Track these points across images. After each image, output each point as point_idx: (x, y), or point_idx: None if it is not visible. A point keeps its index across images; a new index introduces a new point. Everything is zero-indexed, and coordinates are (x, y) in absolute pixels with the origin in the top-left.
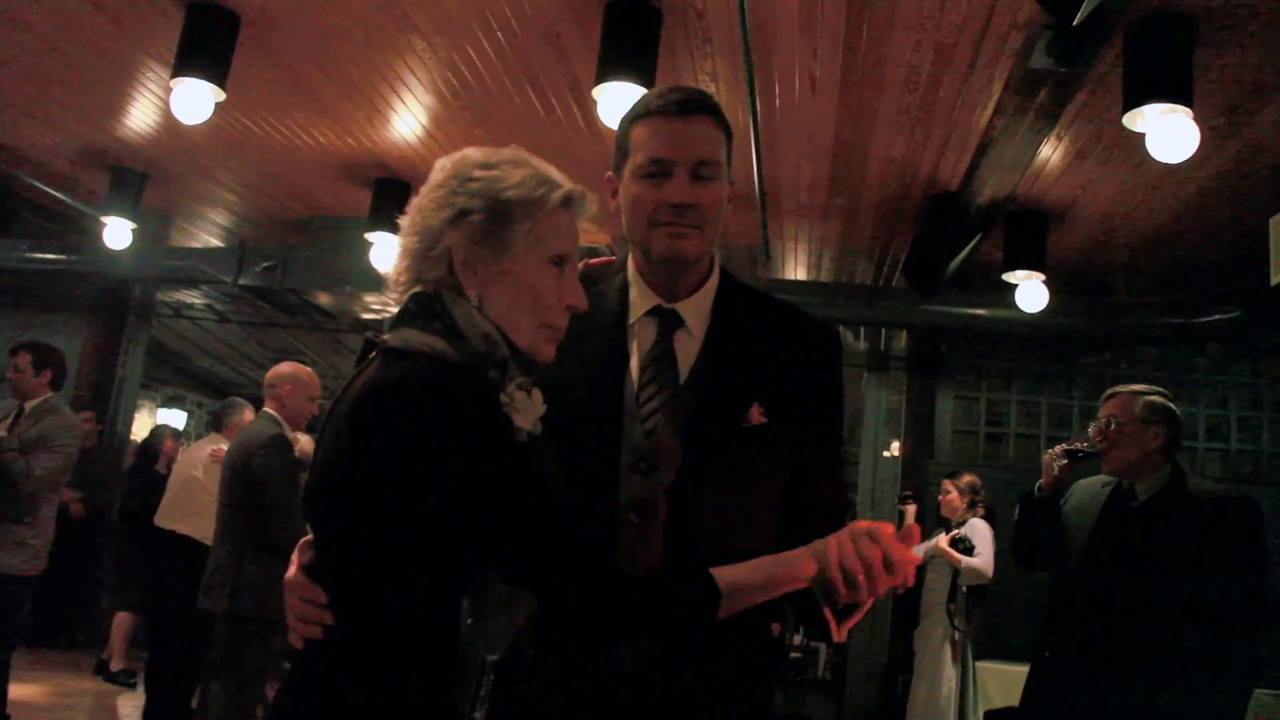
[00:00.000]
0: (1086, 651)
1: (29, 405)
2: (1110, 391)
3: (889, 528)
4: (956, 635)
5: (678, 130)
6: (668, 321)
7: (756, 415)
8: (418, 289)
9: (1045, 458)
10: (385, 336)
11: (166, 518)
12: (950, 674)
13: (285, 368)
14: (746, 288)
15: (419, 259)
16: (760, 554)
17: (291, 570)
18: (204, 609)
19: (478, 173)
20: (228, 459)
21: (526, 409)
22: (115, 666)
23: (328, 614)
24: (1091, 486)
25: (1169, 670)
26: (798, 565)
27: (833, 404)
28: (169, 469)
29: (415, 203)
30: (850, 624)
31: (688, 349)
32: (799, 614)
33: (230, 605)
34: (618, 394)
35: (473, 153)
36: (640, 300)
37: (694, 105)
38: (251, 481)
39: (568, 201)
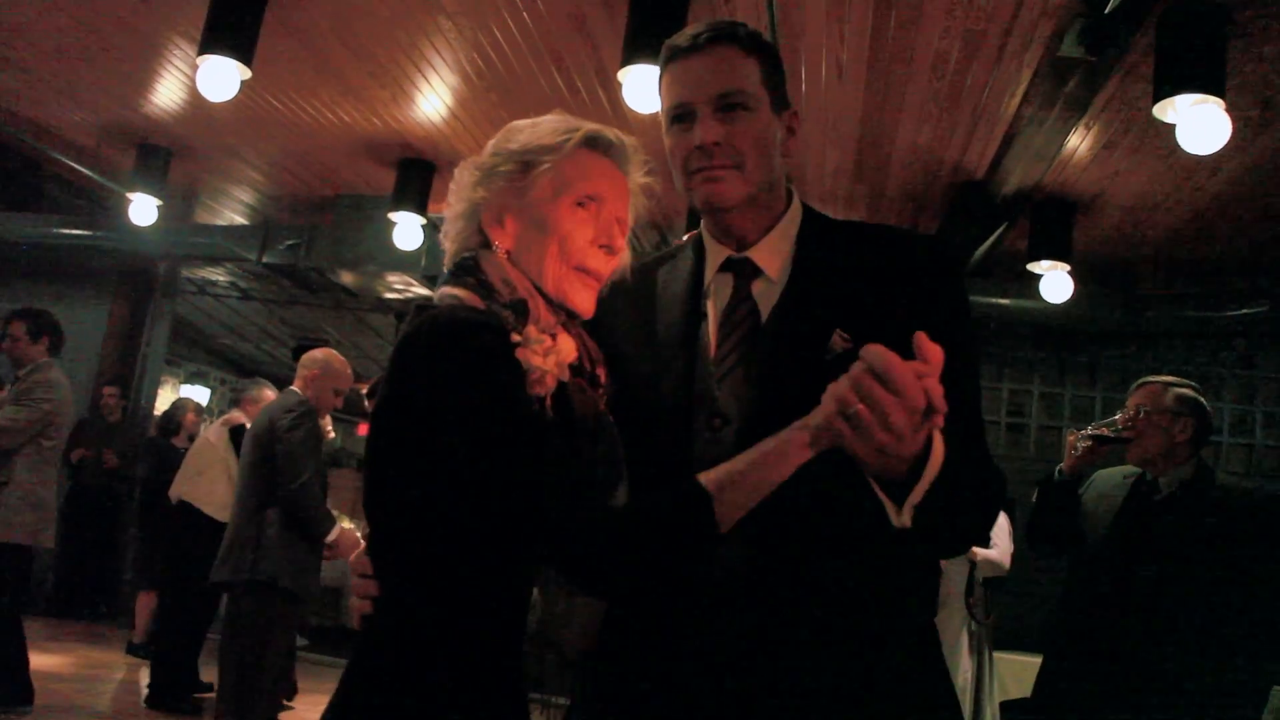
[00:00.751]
0: (1102, 641)
1: (22, 372)
2: (1141, 381)
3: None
4: (974, 626)
5: (694, 67)
6: (742, 271)
7: (840, 341)
8: (465, 248)
9: (1070, 438)
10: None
11: (178, 486)
12: (966, 664)
13: (318, 353)
14: (836, 222)
15: (460, 219)
16: (855, 507)
17: (357, 550)
18: (218, 581)
19: (515, 135)
20: (252, 428)
21: (547, 351)
22: (137, 639)
23: (375, 586)
24: (1113, 477)
25: (1185, 663)
26: (793, 430)
27: (948, 319)
28: (190, 443)
29: (458, 176)
30: (913, 500)
31: (769, 295)
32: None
33: (251, 573)
34: (689, 355)
35: (517, 122)
36: (714, 256)
37: (709, 36)
38: (273, 445)
39: (591, 142)
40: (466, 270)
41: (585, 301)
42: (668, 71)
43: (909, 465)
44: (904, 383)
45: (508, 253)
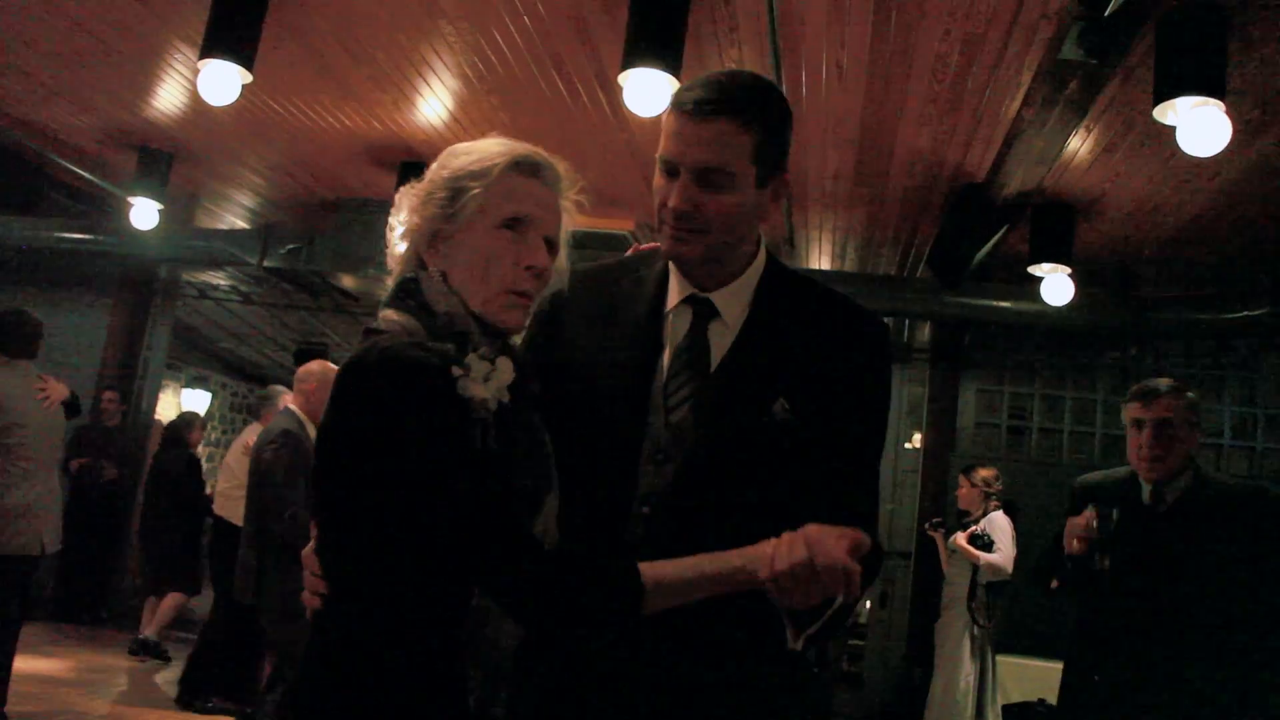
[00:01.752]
0: (1127, 661)
1: None
2: (1148, 390)
3: (840, 534)
4: (977, 630)
5: (688, 133)
6: (701, 311)
7: (781, 410)
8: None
9: (1079, 523)
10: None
11: (217, 504)
12: (969, 668)
13: (314, 365)
14: (794, 275)
15: (403, 249)
16: (743, 613)
17: (309, 545)
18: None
19: (450, 160)
20: (251, 449)
21: (488, 376)
22: (144, 634)
23: (323, 584)
24: (1105, 486)
25: (1214, 676)
26: (732, 565)
27: (870, 404)
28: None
29: (399, 201)
30: (809, 633)
31: (723, 340)
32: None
33: (258, 599)
34: (645, 383)
35: (458, 145)
36: (677, 288)
37: (710, 107)
38: (260, 477)
39: (518, 166)
40: (406, 294)
41: (515, 319)
42: (669, 117)
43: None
44: (835, 581)
45: (443, 275)
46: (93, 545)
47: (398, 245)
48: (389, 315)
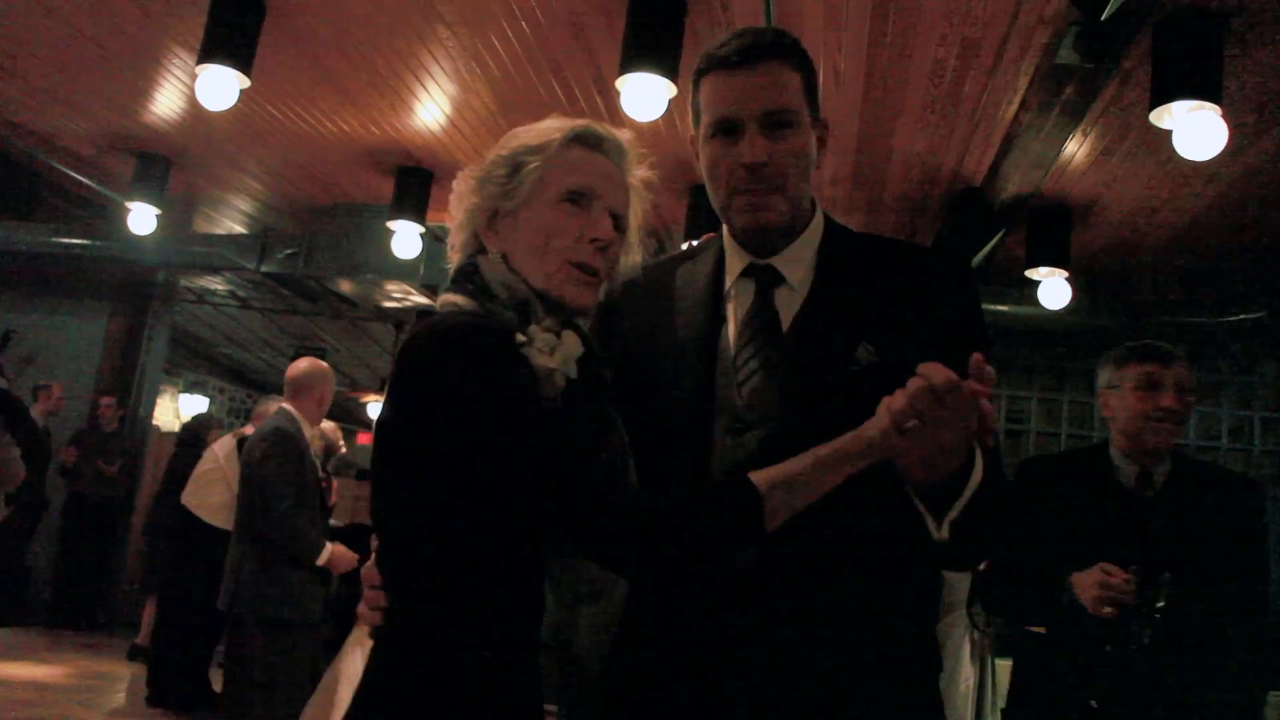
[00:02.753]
0: (1127, 679)
1: None
2: (1161, 350)
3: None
4: (977, 634)
5: (741, 82)
6: (765, 278)
7: (866, 353)
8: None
9: (1111, 583)
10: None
11: (188, 494)
12: (968, 672)
13: (302, 363)
14: (856, 234)
15: (463, 234)
16: (877, 518)
17: (369, 563)
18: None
19: (509, 141)
20: (242, 454)
21: (552, 348)
22: (140, 641)
23: (384, 597)
24: (1064, 468)
25: (1191, 670)
26: (847, 439)
27: (967, 331)
28: None
29: (457, 186)
30: (953, 515)
31: (791, 304)
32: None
33: (232, 603)
34: (710, 359)
35: (518, 129)
36: (735, 261)
37: (758, 51)
38: (249, 476)
39: (580, 139)
40: (465, 276)
41: (582, 296)
42: (709, 81)
43: (950, 480)
44: (960, 400)
45: (503, 256)
46: (89, 551)
47: (458, 233)
48: (446, 298)
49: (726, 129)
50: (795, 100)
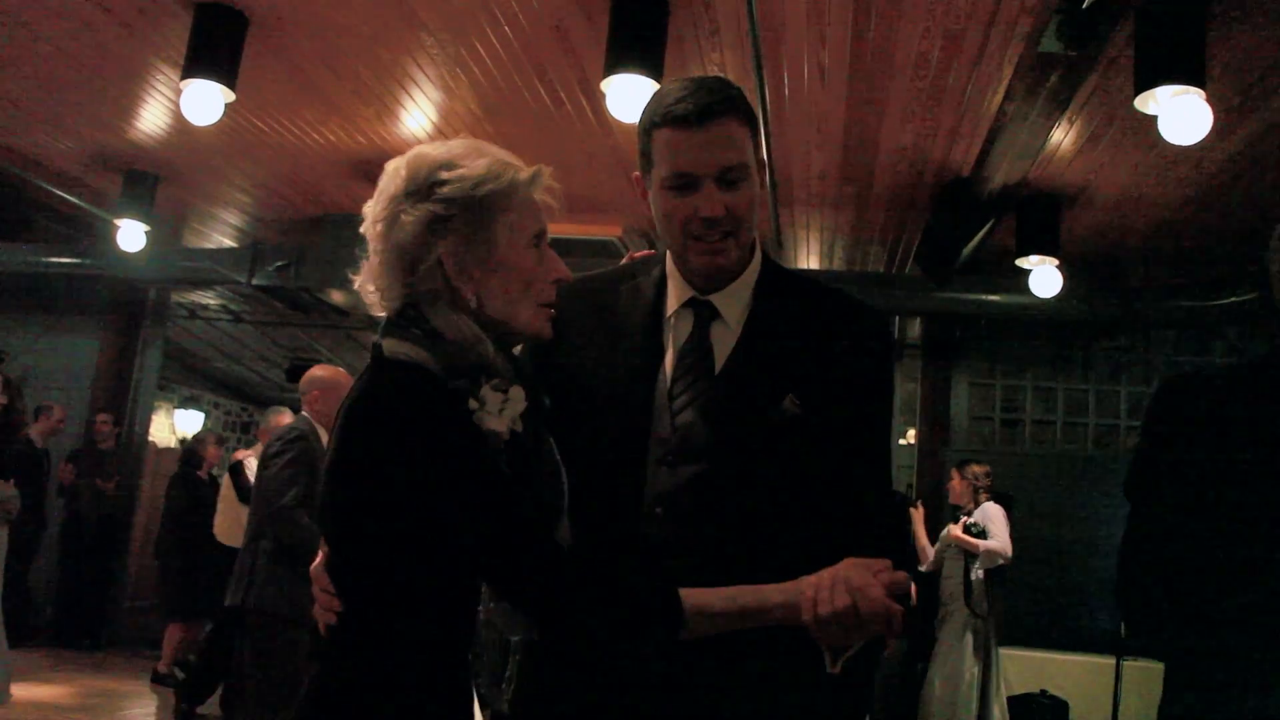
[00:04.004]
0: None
1: None
2: None
3: (880, 567)
4: (979, 624)
5: (698, 140)
6: (703, 313)
7: (791, 405)
8: (407, 299)
9: None
10: (380, 341)
11: (218, 527)
12: (971, 662)
13: (316, 371)
14: (790, 274)
15: (405, 272)
16: (790, 553)
17: (316, 560)
18: (229, 606)
19: (443, 174)
20: (260, 461)
21: (502, 409)
22: (162, 669)
23: (337, 602)
24: (1217, 384)
25: None
26: (772, 603)
27: (877, 396)
28: (210, 475)
29: (379, 212)
30: (846, 657)
31: (725, 340)
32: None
33: (244, 600)
34: (649, 387)
35: (428, 151)
36: (677, 292)
37: (711, 110)
38: (261, 475)
39: (533, 181)
40: (410, 323)
41: (549, 330)
42: (664, 135)
43: None
44: (880, 622)
45: (477, 299)
46: (90, 569)
47: (386, 272)
48: (393, 346)
49: (683, 184)
50: (746, 155)
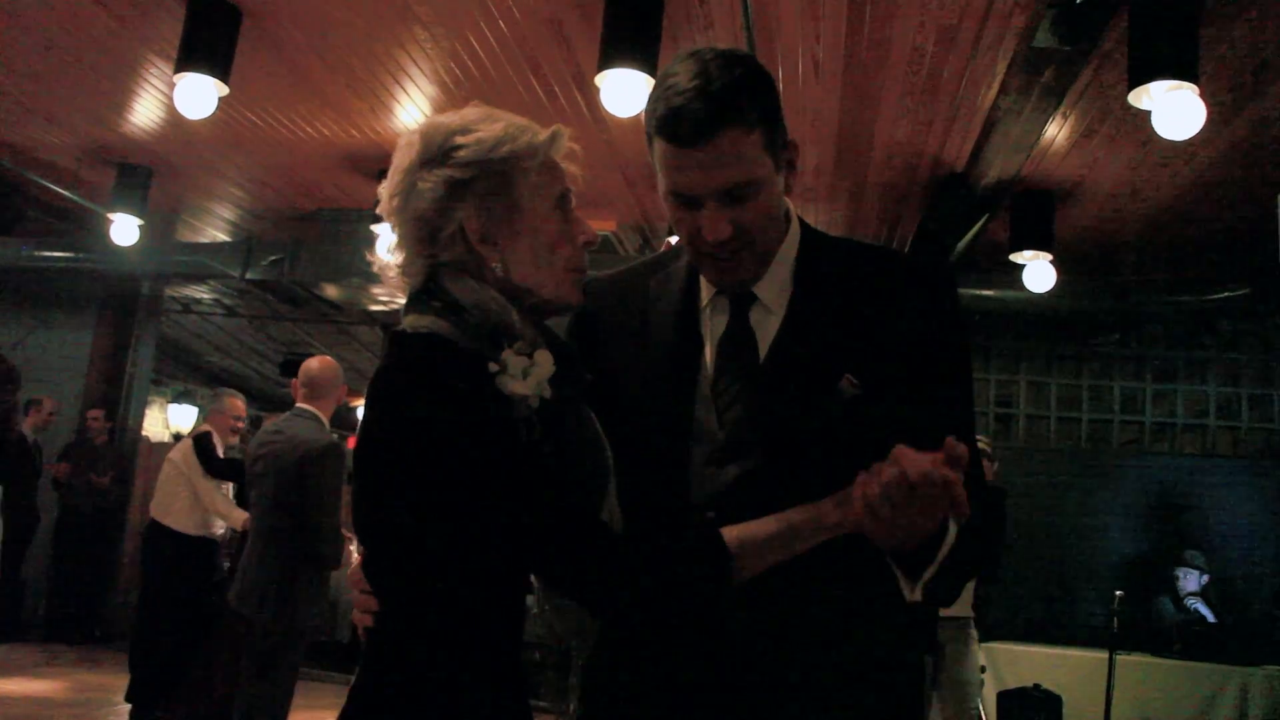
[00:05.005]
0: None
1: None
2: None
3: (923, 456)
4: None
5: (695, 161)
6: (740, 300)
7: (849, 386)
8: (429, 271)
9: None
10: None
11: (155, 505)
12: (976, 650)
13: (311, 362)
14: (834, 241)
15: (426, 243)
16: (860, 549)
17: (354, 562)
18: (240, 612)
19: (459, 139)
20: (276, 461)
21: (526, 372)
22: None
23: (374, 602)
24: None
25: None
26: (820, 508)
27: (950, 352)
28: None
29: (395, 187)
30: (926, 578)
31: (768, 326)
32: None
33: (276, 615)
34: (689, 384)
35: (439, 119)
36: (741, 289)
37: (710, 123)
38: (304, 482)
39: (553, 141)
40: (429, 293)
41: (579, 295)
42: (661, 146)
43: (924, 545)
44: (934, 491)
45: (502, 266)
46: (83, 564)
47: (410, 244)
48: (416, 320)
49: (684, 202)
50: (752, 168)
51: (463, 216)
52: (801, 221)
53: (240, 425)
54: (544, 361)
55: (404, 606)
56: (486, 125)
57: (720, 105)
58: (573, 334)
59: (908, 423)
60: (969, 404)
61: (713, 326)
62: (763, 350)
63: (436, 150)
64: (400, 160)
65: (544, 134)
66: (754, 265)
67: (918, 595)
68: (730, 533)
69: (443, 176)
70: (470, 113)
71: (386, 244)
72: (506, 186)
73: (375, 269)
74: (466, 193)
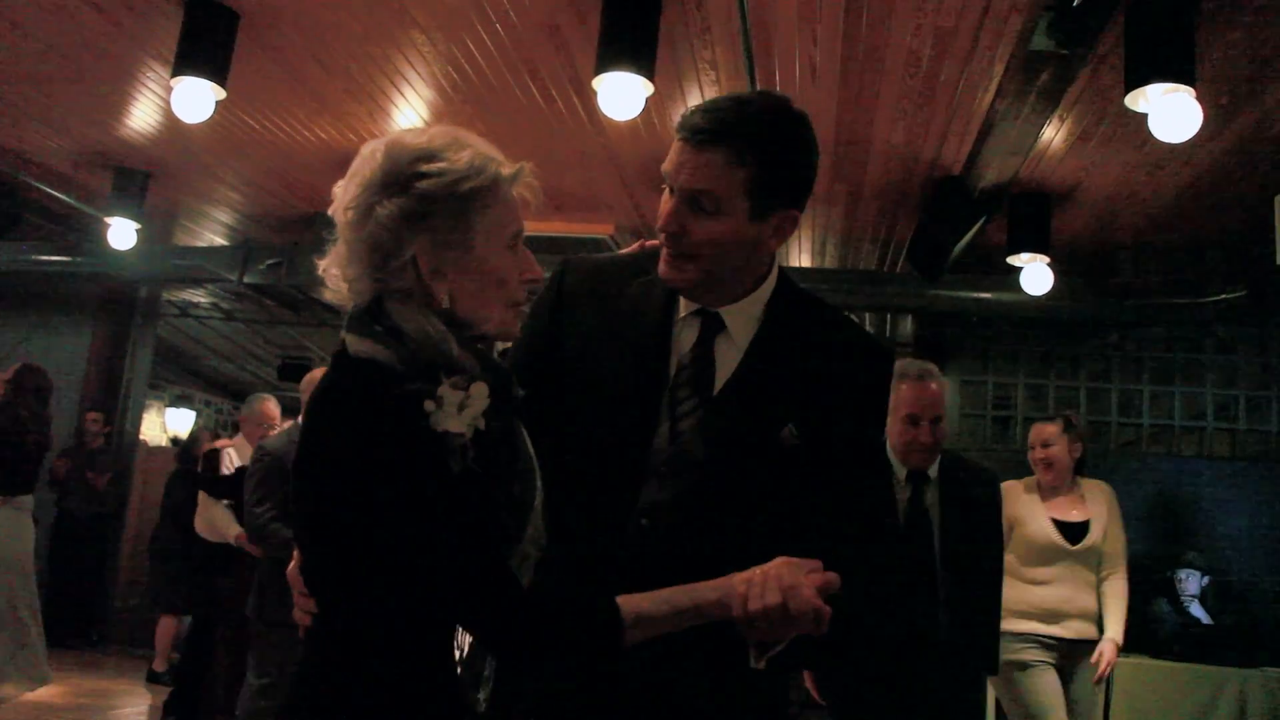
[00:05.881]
0: None
1: None
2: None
3: (812, 566)
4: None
5: (682, 157)
6: (710, 325)
7: (789, 436)
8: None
9: None
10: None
11: (199, 521)
12: None
13: (316, 374)
14: (806, 296)
15: (377, 267)
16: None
17: (292, 564)
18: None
19: (424, 167)
20: (280, 460)
21: (462, 406)
22: (159, 667)
23: (312, 603)
24: None
25: None
26: (707, 600)
27: (872, 438)
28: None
29: (350, 198)
30: (771, 655)
31: (729, 357)
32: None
33: (258, 613)
34: (654, 394)
35: (405, 139)
36: (687, 299)
37: (704, 136)
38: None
39: (515, 179)
40: (373, 317)
41: (517, 329)
42: (676, 133)
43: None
44: (807, 620)
45: (449, 298)
46: (81, 568)
47: (355, 264)
48: (355, 344)
49: (667, 183)
50: (724, 191)
51: (416, 248)
52: (783, 273)
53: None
54: (479, 394)
55: (336, 611)
56: (453, 154)
57: (723, 127)
58: (550, 304)
59: (828, 492)
60: (877, 474)
61: (680, 343)
62: (720, 379)
63: (400, 174)
64: (360, 170)
65: (508, 169)
66: (692, 278)
67: (761, 665)
68: (626, 605)
69: (402, 206)
70: (438, 136)
71: (333, 250)
72: (464, 223)
73: (319, 271)
74: (423, 225)
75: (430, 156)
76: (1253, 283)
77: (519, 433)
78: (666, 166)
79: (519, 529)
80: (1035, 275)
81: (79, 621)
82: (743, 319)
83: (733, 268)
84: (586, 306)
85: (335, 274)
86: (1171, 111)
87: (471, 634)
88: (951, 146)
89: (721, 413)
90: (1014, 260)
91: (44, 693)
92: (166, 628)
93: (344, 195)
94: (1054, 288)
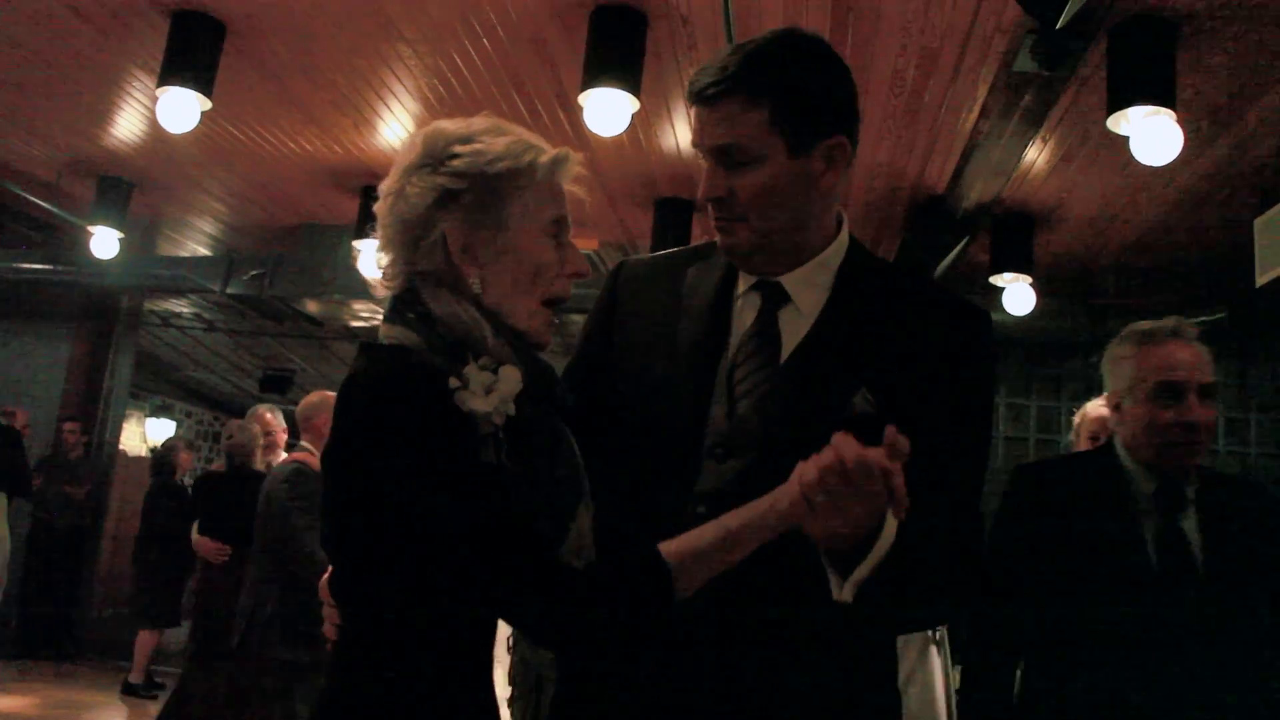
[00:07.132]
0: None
1: None
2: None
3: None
4: (936, 635)
5: (703, 118)
6: (771, 296)
7: (863, 402)
8: (409, 280)
9: None
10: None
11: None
12: (939, 678)
13: (314, 397)
14: (879, 261)
15: (409, 249)
16: (809, 574)
17: (324, 576)
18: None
19: (458, 148)
20: (259, 501)
21: (489, 389)
22: (134, 679)
23: (336, 614)
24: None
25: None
26: (758, 509)
27: (973, 403)
28: (185, 480)
29: (389, 186)
30: (856, 577)
31: (796, 328)
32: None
33: (242, 641)
34: (709, 372)
35: (446, 125)
36: (747, 271)
37: (713, 90)
38: (272, 518)
39: (556, 164)
40: (406, 304)
41: (548, 335)
42: (693, 110)
43: (860, 543)
44: (870, 480)
45: (480, 283)
46: (56, 578)
47: (395, 250)
48: (389, 331)
49: (702, 155)
50: (751, 137)
51: (445, 227)
52: (855, 240)
53: (275, 439)
54: (509, 378)
55: (363, 620)
56: (489, 138)
57: (729, 75)
58: (605, 305)
59: (914, 457)
60: (979, 455)
61: (742, 319)
62: (786, 351)
63: (435, 156)
64: (399, 160)
65: (547, 155)
66: (747, 238)
67: (847, 595)
68: (669, 547)
69: (433, 183)
70: (479, 122)
71: (375, 248)
72: (496, 204)
73: (369, 284)
74: (454, 204)
75: (466, 139)
76: (1233, 304)
77: (563, 436)
78: (693, 136)
79: (559, 535)
80: (1018, 295)
81: (54, 632)
82: (809, 289)
83: (790, 221)
84: (640, 301)
85: (377, 265)
86: (1153, 134)
87: (511, 618)
88: (935, 166)
89: (786, 384)
90: (997, 280)
91: (16, 703)
92: (145, 641)
93: (385, 183)
94: (1036, 308)
